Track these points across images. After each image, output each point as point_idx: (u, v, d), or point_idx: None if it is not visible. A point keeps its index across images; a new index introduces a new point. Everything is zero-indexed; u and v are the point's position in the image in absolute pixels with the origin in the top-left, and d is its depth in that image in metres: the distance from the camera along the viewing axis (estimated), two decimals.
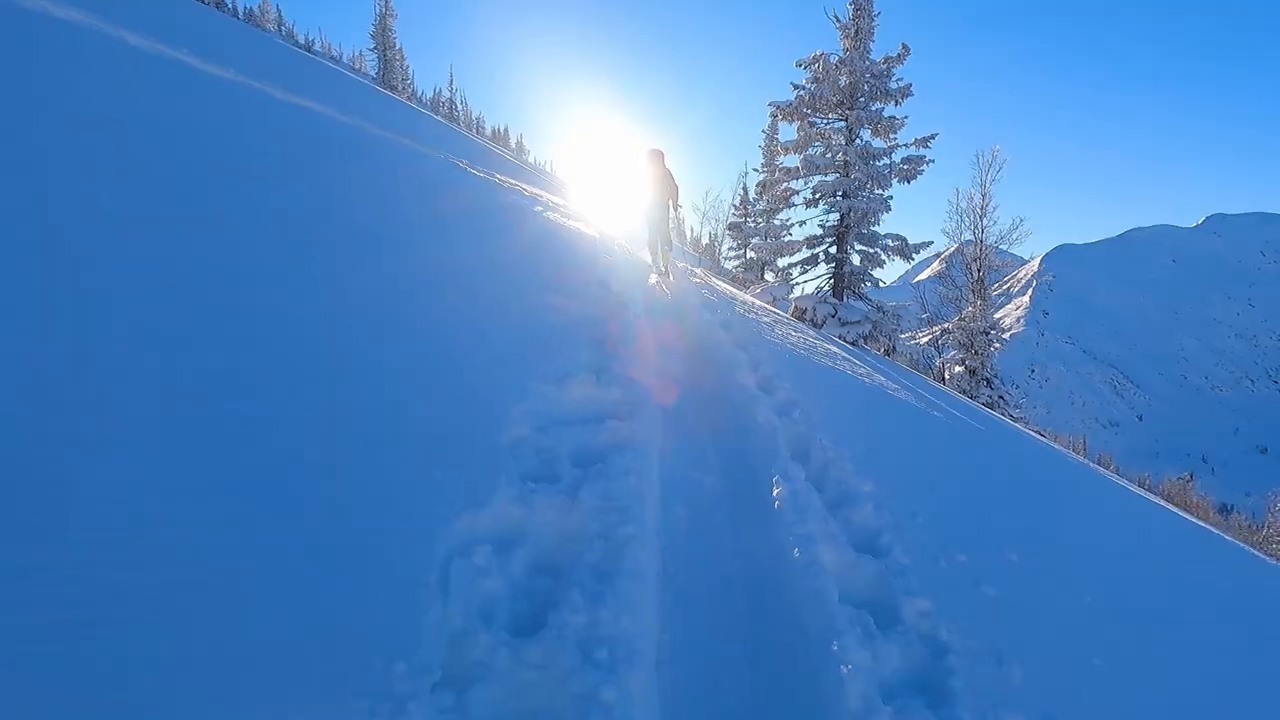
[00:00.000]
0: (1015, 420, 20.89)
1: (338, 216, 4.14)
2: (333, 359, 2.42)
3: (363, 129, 8.05)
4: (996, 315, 23.94)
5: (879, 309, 12.97)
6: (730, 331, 5.99)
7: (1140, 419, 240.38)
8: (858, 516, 2.89)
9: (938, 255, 19.81)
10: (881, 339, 13.12)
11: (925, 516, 3.12)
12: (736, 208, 24.55)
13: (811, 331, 9.63)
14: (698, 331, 5.65)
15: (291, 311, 2.63)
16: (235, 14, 58.87)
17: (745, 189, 24.73)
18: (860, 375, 6.56)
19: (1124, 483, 9.57)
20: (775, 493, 2.80)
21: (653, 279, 8.39)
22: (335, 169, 5.38)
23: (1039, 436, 17.66)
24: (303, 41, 72.09)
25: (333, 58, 76.16)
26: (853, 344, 12.35)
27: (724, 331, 5.94)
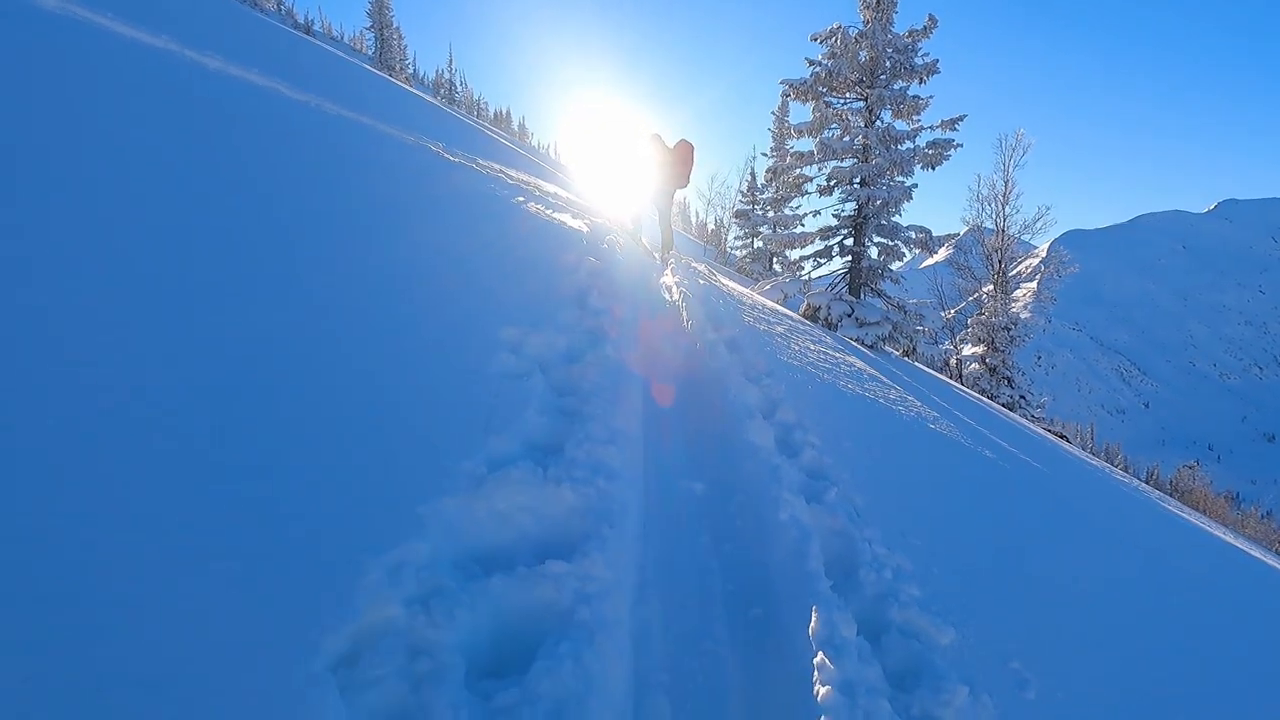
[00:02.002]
0: (1036, 420, 19.82)
1: (221, 213, 3.05)
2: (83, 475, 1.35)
3: (319, 107, 6.93)
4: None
5: (899, 308, 11.83)
6: (739, 354, 4.90)
7: (1147, 406, 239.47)
8: (949, 716, 1.82)
9: (945, 240, 18.21)
10: (901, 340, 12.00)
11: (1062, 696, 2.06)
12: (744, 194, 23.27)
13: (830, 339, 8.53)
14: (699, 359, 4.57)
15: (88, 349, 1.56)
16: None
17: (753, 174, 23.49)
18: (894, 403, 5.47)
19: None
20: (818, 690, 1.72)
21: (654, 279, 7.30)
22: (260, 151, 4.27)
23: (1063, 441, 16.64)
24: (302, 21, 70.63)
25: (333, 39, 74.73)
26: (870, 346, 11.24)
27: (731, 354, 4.85)
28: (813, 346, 6.79)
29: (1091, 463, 9.46)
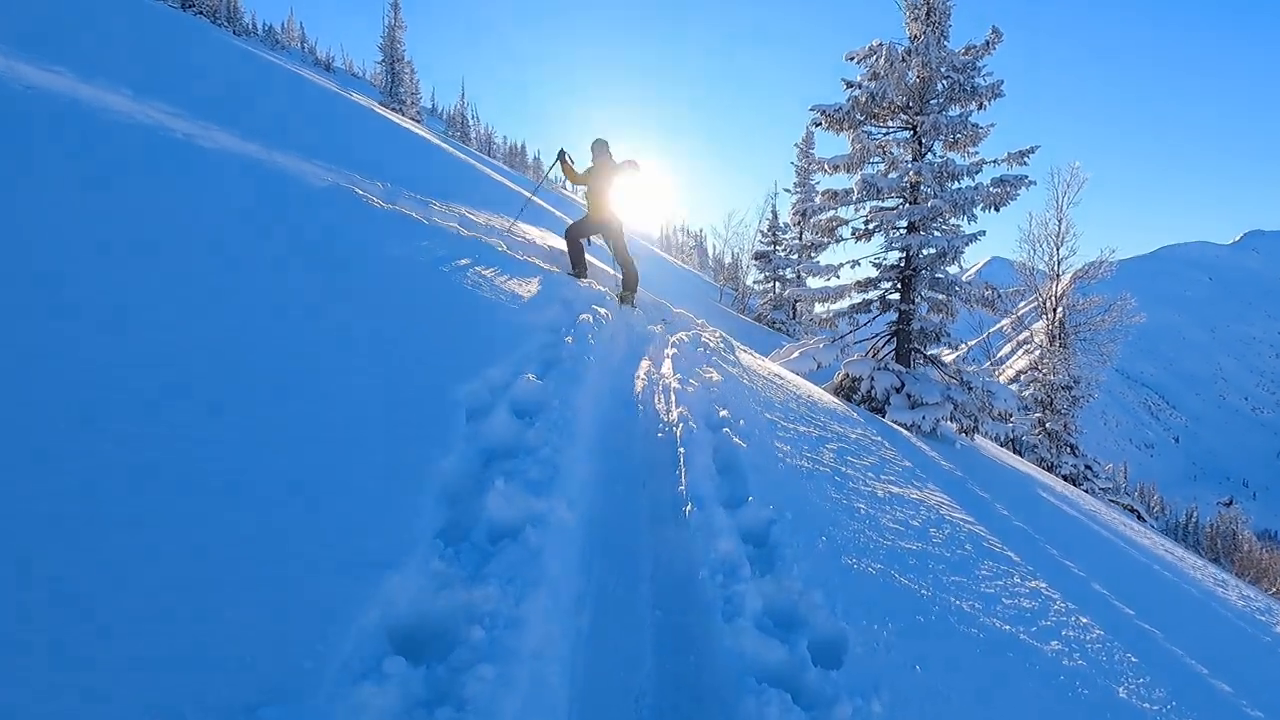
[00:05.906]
0: (1103, 490, 17.24)
1: None
2: None
3: (196, 138, 4.89)
4: (1028, 332, 20.12)
5: (962, 383, 9.51)
6: (775, 575, 2.67)
7: (1176, 441, 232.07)
8: None
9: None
10: (964, 420, 9.68)
11: None
12: (764, 234, 21.11)
13: (888, 446, 6.26)
14: (701, 615, 2.34)
15: None
16: (254, 30, 57.10)
17: (775, 213, 21.36)
18: (1041, 631, 3.20)
19: None
20: None
21: (646, 376, 5.11)
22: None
23: (1135, 516, 14.13)
24: (323, 58, 71.03)
25: (354, 75, 74.91)
26: (930, 432, 8.95)
27: (757, 579, 2.63)
28: (879, 486, 4.54)
29: (1239, 609, 7.06)
